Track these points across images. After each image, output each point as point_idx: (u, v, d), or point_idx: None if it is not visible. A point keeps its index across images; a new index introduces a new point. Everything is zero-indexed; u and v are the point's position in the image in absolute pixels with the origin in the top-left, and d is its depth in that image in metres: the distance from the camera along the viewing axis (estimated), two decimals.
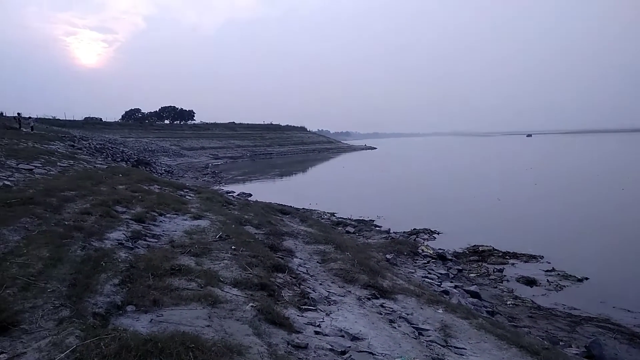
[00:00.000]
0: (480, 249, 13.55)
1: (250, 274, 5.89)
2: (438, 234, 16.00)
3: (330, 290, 6.56)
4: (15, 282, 3.87)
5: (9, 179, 10.63)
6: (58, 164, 16.17)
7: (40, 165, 14.43)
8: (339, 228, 15.88)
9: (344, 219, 18.02)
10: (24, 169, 12.82)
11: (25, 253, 4.72)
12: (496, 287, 10.68)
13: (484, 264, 12.41)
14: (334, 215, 18.98)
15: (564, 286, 10.64)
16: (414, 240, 14.64)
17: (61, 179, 12.30)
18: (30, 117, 37.70)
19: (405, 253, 12.41)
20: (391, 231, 15.79)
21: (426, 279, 10.13)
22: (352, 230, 15.74)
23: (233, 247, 7.11)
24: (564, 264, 11.88)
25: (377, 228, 16.53)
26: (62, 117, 74.07)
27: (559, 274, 11.35)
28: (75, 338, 3.04)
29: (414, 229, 16.32)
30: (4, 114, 47.60)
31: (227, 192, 23.46)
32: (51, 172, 13.65)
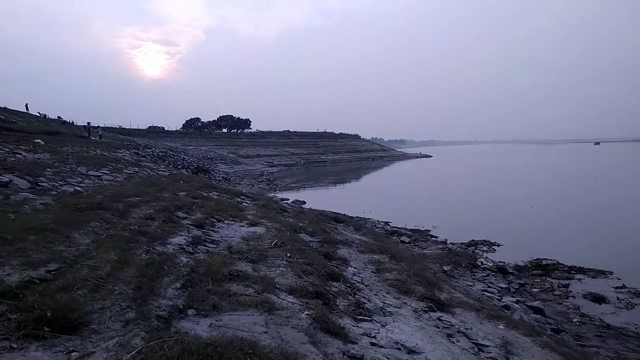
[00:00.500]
0: (544, 262, 12.93)
1: (306, 281, 5.91)
2: (498, 245, 15.44)
3: (385, 301, 6.46)
4: (86, 283, 4.09)
5: (80, 185, 11.31)
6: (124, 170, 17.02)
7: (108, 172, 15.25)
8: (394, 237, 15.69)
9: (399, 228, 17.78)
10: (93, 176, 13.58)
11: (94, 256, 4.98)
12: (561, 304, 10.15)
13: (547, 279, 11.83)
14: (388, 224, 18.78)
15: (636, 304, 9.95)
16: (473, 252, 14.20)
17: (127, 185, 12.95)
18: (98, 126, 40.03)
19: (463, 265, 12.06)
20: (448, 242, 15.39)
21: (486, 293, 9.79)
22: (407, 240, 15.49)
23: (288, 255, 7.18)
24: (636, 281, 11.10)
25: (433, 238, 16.18)
26: (127, 126, 78.23)
27: (630, 291, 10.63)
28: (141, 340, 3.17)
29: (472, 240, 15.83)
30: (75, 123, 50.83)
31: (282, 200, 23.78)
32: (118, 179, 14.38)
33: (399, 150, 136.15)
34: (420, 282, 7.51)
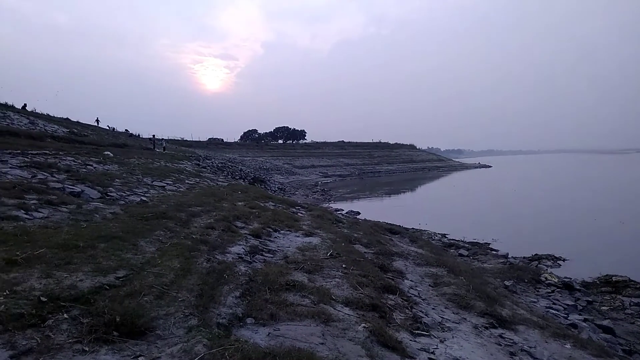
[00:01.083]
0: (614, 279, 12.07)
1: (362, 293, 5.87)
2: (563, 260, 14.62)
3: (443, 316, 6.29)
4: (152, 290, 4.27)
5: (145, 195, 11.86)
6: (186, 181, 17.69)
7: (171, 182, 15.90)
8: (451, 250, 15.26)
9: (456, 240, 17.27)
10: (158, 186, 14.21)
11: (159, 264, 5.20)
12: (634, 323, 9.43)
13: (618, 297, 11.03)
14: (445, 237, 18.29)
15: None
16: (536, 266, 13.52)
17: (189, 195, 13.44)
18: (162, 139, 41.95)
19: (526, 280, 11.51)
20: (509, 256, 14.75)
21: (550, 310, 9.29)
22: (465, 253, 15.02)
23: (344, 266, 7.16)
24: None
25: (493, 252, 15.57)
26: (188, 138, 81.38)
27: None
28: (203, 347, 3.26)
29: (536, 254, 15.09)
30: (140, 136, 53.55)
31: (336, 210, 23.79)
32: (180, 189, 14.96)
33: (457, 160, 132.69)
34: (480, 297, 7.25)
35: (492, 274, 11.35)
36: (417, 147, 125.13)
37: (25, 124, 26.02)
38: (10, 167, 10.88)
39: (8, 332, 3.07)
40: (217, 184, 20.26)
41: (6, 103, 33.69)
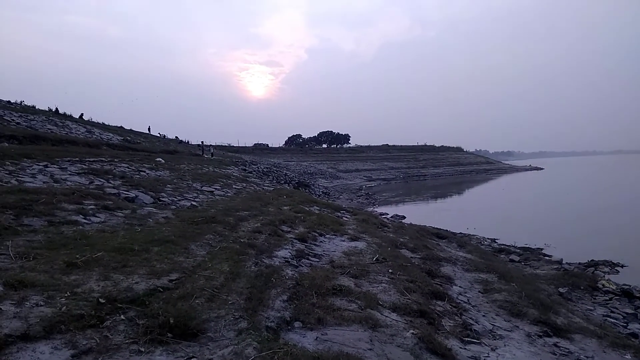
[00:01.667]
0: None
1: (409, 299, 5.79)
2: (622, 266, 13.85)
3: (494, 324, 6.12)
4: (203, 293, 4.38)
5: (195, 200, 12.20)
6: (233, 186, 18.06)
7: (219, 187, 16.28)
8: (502, 256, 14.78)
9: (507, 245, 16.70)
10: (207, 191, 14.58)
11: (209, 267, 5.33)
12: None
13: None
14: (495, 242, 17.74)
15: None
16: (592, 273, 12.87)
17: (236, 200, 13.72)
18: (210, 145, 43.10)
19: (582, 287, 10.98)
20: (563, 262, 14.12)
21: (608, 319, 8.82)
22: (516, 258, 14.50)
23: (390, 271, 7.09)
24: None
25: (545, 257, 14.95)
26: (235, 144, 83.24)
27: None
28: (253, 349, 3.31)
29: (592, 260, 14.37)
30: (189, 142, 55.27)
31: (381, 214, 23.60)
32: (228, 194, 15.29)
33: (506, 162, 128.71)
34: (533, 305, 7.00)
35: (545, 281, 10.90)
36: (465, 150, 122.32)
37: (83, 133, 27.42)
38: (69, 174, 11.48)
39: (69, 332, 3.23)
40: (263, 188, 20.56)
41: (65, 113, 35.69)
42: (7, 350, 2.88)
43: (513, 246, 16.58)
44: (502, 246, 16.66)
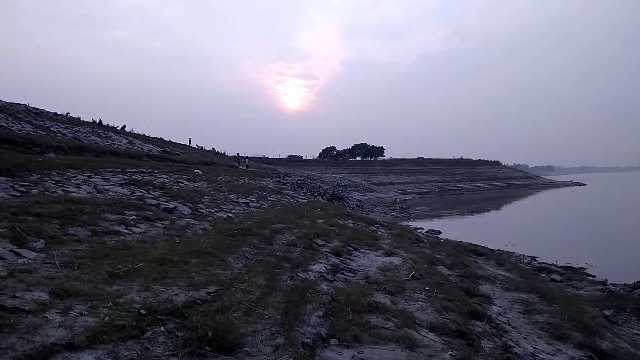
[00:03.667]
0: None
1: (447, 318, 5.64)
2: None
3: (536, 346, 5.88)
4: (240, 306, 4.40)
5: (231, 211, 12.37)
6: (268, 198, 18.24)
7: (254, 199, 16.47)
8: (542, 275, 14.25)
9: (548, 264, 16.10)
10: (242, 203, 14.77)
11: (246, 280, 5.36)
12: None
13: None
14: (535, 260, 17.12)
15: None
16: (639, 295, 12.24)
17: (271, 212, 13.83)
18: (246, 157, 43.76)
19: (628, 310, 10.43)
20: (608, 282, 13.49)
21: None
22: (558, 278, 13.95)
23: (427, 288, 6.95)
24: None
25: (589, 277, 14.32)
26: (269, 156, 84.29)
27: None
28: None
29: (638, 281, 13.67)
30: (226, 154, 56.27)
31: (416, 229, 23.26)
32: (263, 206, 15.44)
33: (546, 177, 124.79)
34: (577, 327, 6.69)
35: (589, 302, 10.43)
36: (503, 164, 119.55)
37: (125, 144, 28.35)
38: (112, 185, 11.87)
39: (112, 343, 3.29)
40: (297, 201, 20.66)
41: (108, 124, 37.06)
42: (53, 359, 2.96)
43: (554, 265, 15.98)
44: (543, 265, 16.08)
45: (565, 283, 13.46)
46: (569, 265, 16.06)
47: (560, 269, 15.28)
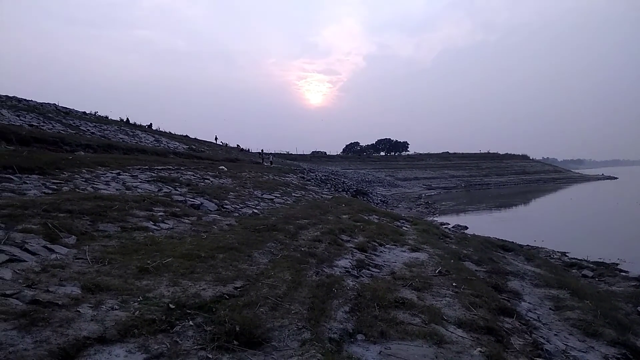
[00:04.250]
0: None
1: (475, 315, 5.55)
2: None
3: (568, 343, 5.73)
4: (267, 301, 4.42)
5: (256, 207, 12.44)
6: (292, 194, 18.27)
7: (279, 195, 16.52)
8: (573, 271, 13.91)
9: (579, 260, 15.71)
10: (267, 199, 14.84)
11: (272, 275, 5.38)
12: None
13: None
14: (566, 255, 16.74)
15: None
16: None
17: (296, 208, 13.86)
18: (270, 153, 44.08)
19: None
20: None
21: None
22: (589, 274, 13.59)
23: (454, 284, 6.86)
24: None
25: (622, 273, 13.92)
26: (293, 152, 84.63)
27: None
28: None
29: None
30: (250, 150, 56.76)
31: (442, 224, 23.01)
32: (287, 202, 15.48)
33: (576, 171, 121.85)
34: (610, 324, 6.50)
35: (622, 299, 10.13)
36: (531, 158, 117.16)
37: (151, 142, 28.85)
38: (140, 182, 12.08)
39: (142, 336, 3.34)
40: (322, 196, 20.66)
41: (135, 122, 37.80)
42: (85, 352, 3.03)
43: (585, 260, 15.57)
44: (574, 260, 15.70)
45: (597, 279, 13.13)
46: (601, 260, 15.65)
47: (591, 265, 14.90)
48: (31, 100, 30.50)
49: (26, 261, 4.49)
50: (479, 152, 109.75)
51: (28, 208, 6.37)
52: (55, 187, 9.19)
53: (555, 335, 6.00)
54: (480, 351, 4.32)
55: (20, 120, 20.38)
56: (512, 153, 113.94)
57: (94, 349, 3.08)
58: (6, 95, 28.58)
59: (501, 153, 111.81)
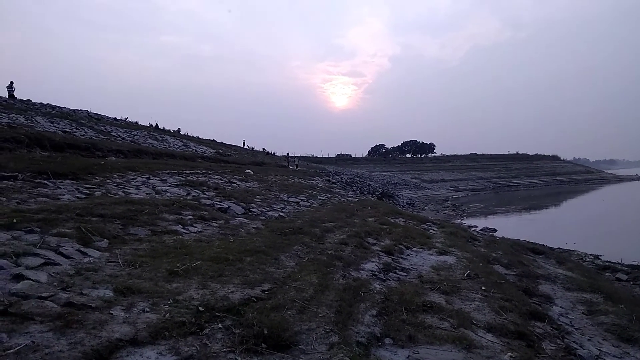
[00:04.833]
0: None
1: (505, 319, 5.45)
2: None
3: (601, 349, 5.56)
4: (294, 304, 4.44)
5: (282, 210, 12.51)
6: (318, 197, 18.31)
7: (304, 198, 16.58)
8: (607, 274, 13.51)
9: (612, 263, 15.24)
10: (293, 202, 14.91)
11: (299, 278, 5.40)
12: None
13: None
14: (598, 258, 16.26)
15: None
16: None
17: (321, 211, 13.88)
18: (295, 156, 44.31)
19: None
20: None
21: None
22: (624, 277, 13.16)
23: (483, 288, 6.75)
24: None
25: None
26: (318, 155, 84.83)
27: None
28: None
29: None
30: (275, 154, 57.21)
31: (470, 227, 22.65)
32: (313, 205, 15.51)
33: (609, 172, 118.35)
34: None
35: None
36: (562, 158, 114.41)
37: (180, 146, 29.36)
38: (169, 186, 12.31)
39: (173, 339, 3.39)
40: (347, 199, 20.64)
41: (164, 128, 38.56)
42: (118, 354, 3.08)
43: (619, 264, 15.09)
44: (607, 263, 15.23)
45: (632, 283, 12.71)
46: (636, 263, 15.14)
47: (625, 268, 14.44)
48: (64, 107, 31.40)
49: (60, 264, 4.62)
50: (507, 153, 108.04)
51: (62, 212, 6.56)
52: (87, 191, 9.44)
53: (589, 340, 5.84)
54: (510, 356, 4.24)
55: (54, 126, 20.98)
56: (542, 154, 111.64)
57: (126, 351, 3.14)
58: (40, 103, 29.46)
59: (531, 154, 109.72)
